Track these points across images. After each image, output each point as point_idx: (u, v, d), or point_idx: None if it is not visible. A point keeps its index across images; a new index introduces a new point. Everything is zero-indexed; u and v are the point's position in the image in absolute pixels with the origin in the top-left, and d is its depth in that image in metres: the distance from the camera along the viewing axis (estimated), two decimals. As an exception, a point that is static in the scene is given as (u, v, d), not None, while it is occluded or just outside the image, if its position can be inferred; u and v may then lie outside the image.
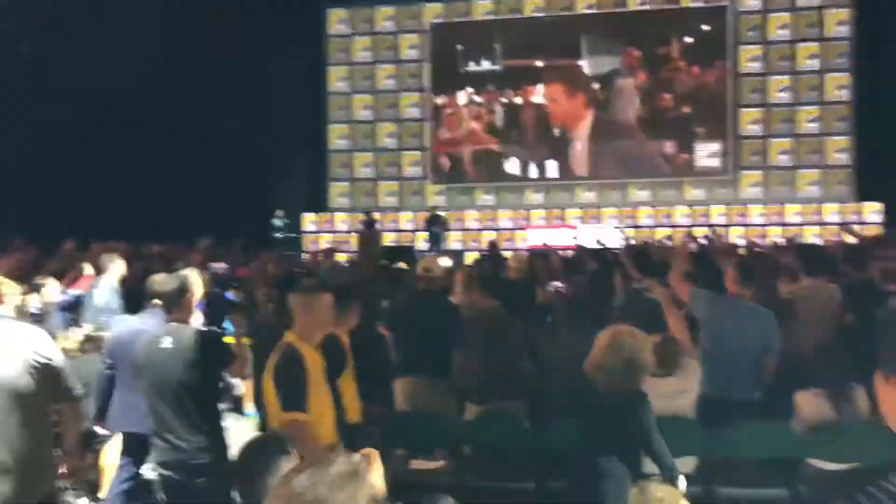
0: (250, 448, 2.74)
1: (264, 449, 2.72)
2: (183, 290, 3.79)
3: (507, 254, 10.82)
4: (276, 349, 3.42)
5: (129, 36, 14.28)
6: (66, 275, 6.93)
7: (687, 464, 4.25)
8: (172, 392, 3.60)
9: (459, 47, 16.80)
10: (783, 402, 4.60)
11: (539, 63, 16.55)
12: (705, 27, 16.03)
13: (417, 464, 4.54)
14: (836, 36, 15.81)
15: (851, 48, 15.69)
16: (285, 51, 16.62)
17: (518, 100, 16.72)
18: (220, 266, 8.84)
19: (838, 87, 15.79)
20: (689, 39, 16.07)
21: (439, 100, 16.99)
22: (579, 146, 16.44)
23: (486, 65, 16.81)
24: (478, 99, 16.89)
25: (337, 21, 17.67)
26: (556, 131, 16.55)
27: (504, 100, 16.78)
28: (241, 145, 16.34)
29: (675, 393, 4.20)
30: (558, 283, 5.69)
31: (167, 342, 3.65)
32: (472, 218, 16.76)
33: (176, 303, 3.76)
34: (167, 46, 15.05)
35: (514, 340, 4.65)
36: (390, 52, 17.45)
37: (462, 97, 16.91)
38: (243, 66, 16.03)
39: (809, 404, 4.14)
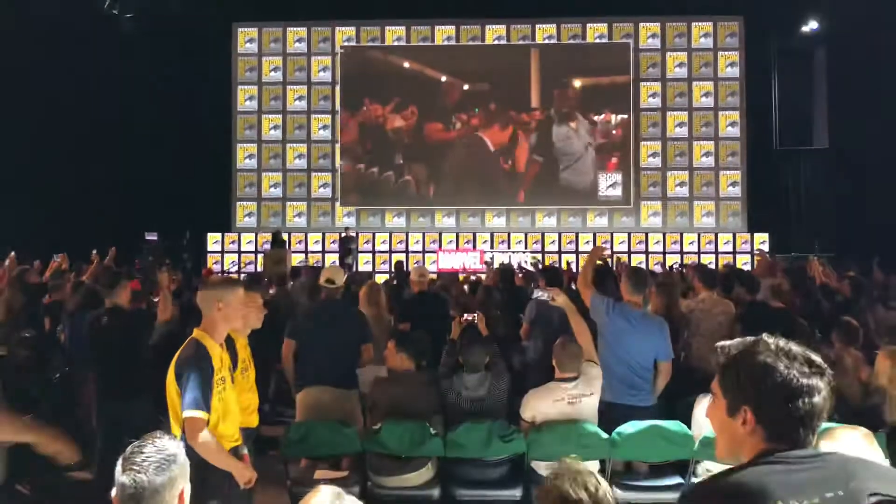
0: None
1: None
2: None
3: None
4: (183, 344, 3.28)
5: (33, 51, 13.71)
6: None
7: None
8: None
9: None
10: (680, 408, 4.77)
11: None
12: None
13: (322, 473, 4.41)
14: (728, 76, 16.83)
15: (741, 87, 16.74)
16: (193, 68, 16.25)
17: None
18: None
19: (730, 123, 16.77)
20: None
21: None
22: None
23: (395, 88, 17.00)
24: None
25: (246, 40, 17.42)
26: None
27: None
28: (146, 161, 15.84)
29: (578, 397, 4.26)
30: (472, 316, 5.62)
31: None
32: (382, 240, 16.71)
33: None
34: (74, 65, 14.51)
35: (427, 405, 4.56)
36: (301, 72, 17.33)
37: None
38: (150, 82, 15.56)
39: (701, 411, 4.30)
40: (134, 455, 1.90)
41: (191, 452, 3.02)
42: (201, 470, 3.09)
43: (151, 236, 15.30)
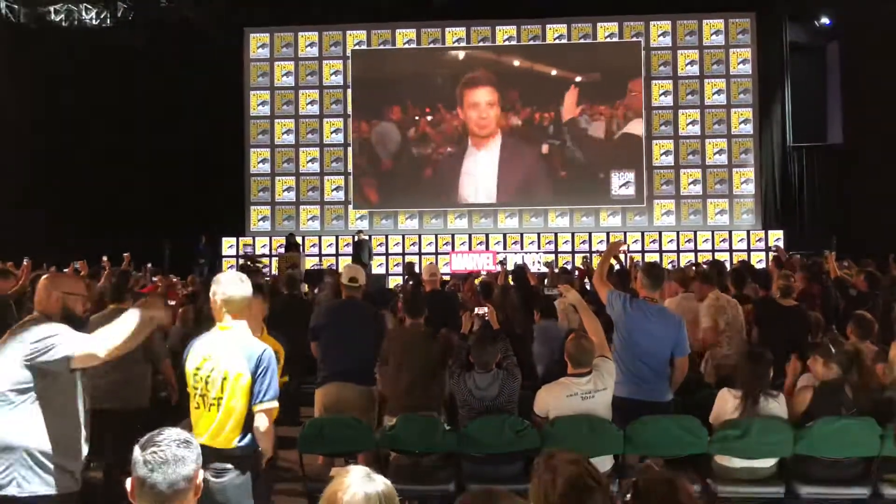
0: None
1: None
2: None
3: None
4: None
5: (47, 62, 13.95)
6: None
7: (603, 463, 4.33)
8: None
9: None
10: (697, 403, 4.77)
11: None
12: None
13: (337, 471, 4.44)
14: (740, 73, 16.75)
15: (753, 84, 16.66)
16: (206, 74, 16.39)
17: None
18: None
19: (743, 120, 16.69)
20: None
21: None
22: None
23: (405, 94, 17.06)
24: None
25: (258, 45, 17.55)
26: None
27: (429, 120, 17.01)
28: (160, 167, 16.01)
29: (592, 392, 4.27)
30: (483, 310, 5.63)
31: None
32: (395, 242, 16.76)
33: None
34: (85, 71, 14.72)
35: (432, 358, 4.63)
36: (313, 77, 17.43)
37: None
38: (163, 87, 15.73)
39: (725, 403, 4.32)
40: (153, 437, 2.00)
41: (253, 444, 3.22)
42: (257, 461, 3.30)
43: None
